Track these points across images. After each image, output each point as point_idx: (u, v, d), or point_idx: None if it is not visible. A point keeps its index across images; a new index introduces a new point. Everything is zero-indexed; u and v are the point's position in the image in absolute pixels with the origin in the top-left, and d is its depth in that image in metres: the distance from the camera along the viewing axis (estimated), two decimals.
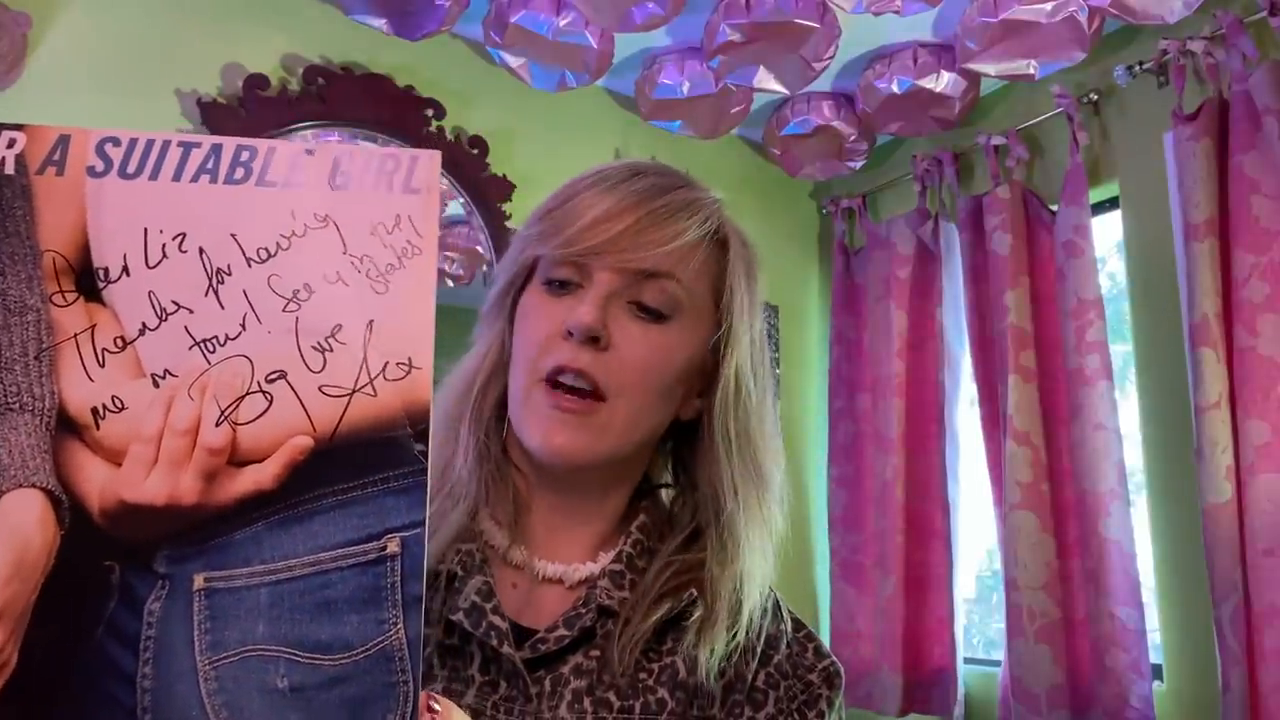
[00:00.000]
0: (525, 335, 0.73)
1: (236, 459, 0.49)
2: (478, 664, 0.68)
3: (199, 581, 0.49)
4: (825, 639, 2.44)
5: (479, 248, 2.22)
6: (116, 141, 0.51)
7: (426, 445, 0.50)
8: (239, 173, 0.52)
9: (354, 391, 0.50)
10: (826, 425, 2.62)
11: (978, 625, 2.53)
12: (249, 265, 0.51)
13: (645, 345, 0.70)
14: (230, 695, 0.48)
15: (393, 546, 0.50)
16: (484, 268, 2.22)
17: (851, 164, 2.63)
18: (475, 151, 2.22)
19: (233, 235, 0.51)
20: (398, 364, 0.51)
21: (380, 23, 2.02)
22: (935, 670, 2.25)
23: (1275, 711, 1.62)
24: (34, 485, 0.47)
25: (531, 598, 0.73)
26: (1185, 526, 1.91)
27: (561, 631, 0.70)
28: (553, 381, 0.70)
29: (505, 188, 2.24)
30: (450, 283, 2.20)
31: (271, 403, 0.50)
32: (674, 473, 0.82)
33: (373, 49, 2.13)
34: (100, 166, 0.51)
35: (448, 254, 2.21)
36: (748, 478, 0.75)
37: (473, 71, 2.30)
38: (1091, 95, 2.21)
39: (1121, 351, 2.18)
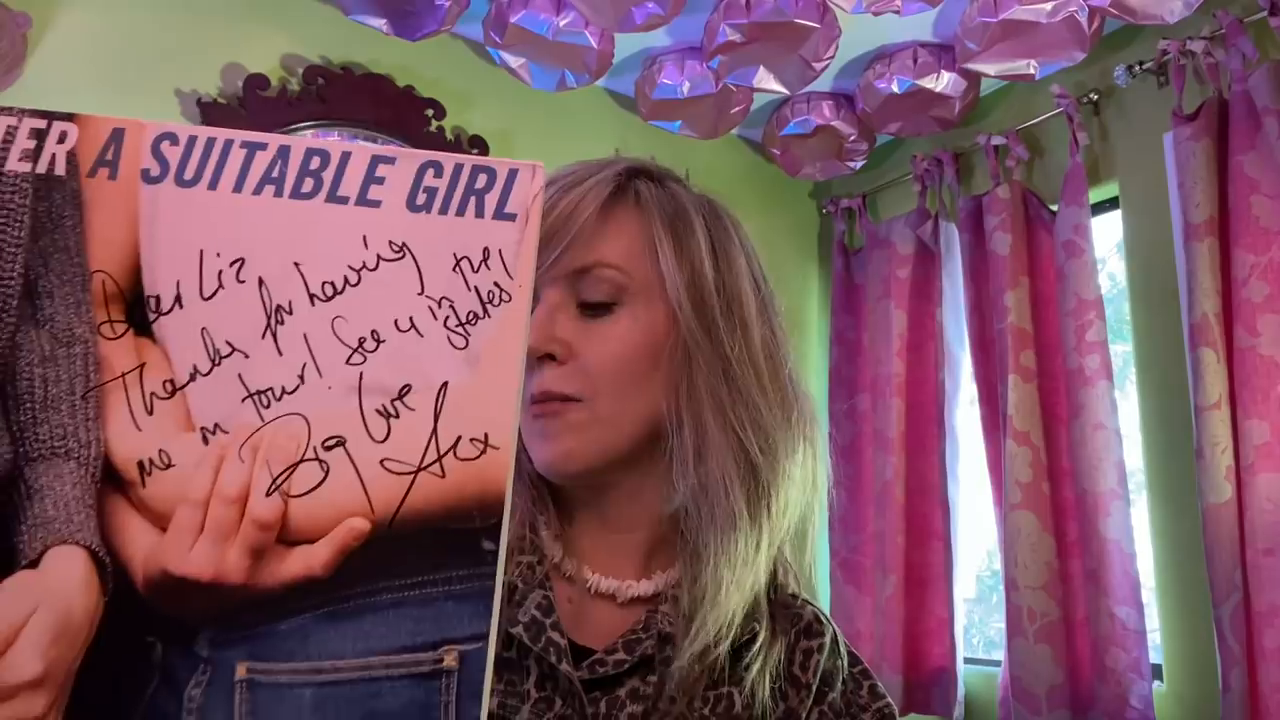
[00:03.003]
0: None
1: (287, 536, 0.44)
2: (534, 679, 0.67)
3: (241, 671, 0.44)
4: None
5: None
6: (174, 139, 0.45)
7: (497, 544, 0.43)
8: (308, 184, 0.45)
9: (419, 470, 0.43)
10: (826, 425, 2.62)
11: (978, 625, 2.53)
12: (312, 303, 0.45)
13: (601, 342, 0.68)
14: None
15: (450, 660, 0.43)
16: None
17: (851, 164, 2.63)
18: (475, 151, 2.22)
19: (296, 265, 0.45)
20: (472, 440, 0.43)
21: (380, 23, 2.02)
22: (935, 670, 2.25)
23: (1275, 711, 1.62)
24: (78, 543, 0.43)
25: (585, 614, 0.71)
26: (1185, 526, 1.91)
27: (621, 655, 0.68)
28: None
29: None
30: None
31: (327, 474, 0.44)
32: None
33: (373, 49, 2.13)
34: (156, 170, 0.45)
35: None
36: (711, 442, 0.68)
37: (473, 71, 2.30)
38: (1091, 95, 2.21)
39: (1121, 351, 2.18)
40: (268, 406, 0.44)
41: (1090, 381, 2.02)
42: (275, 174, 0.45)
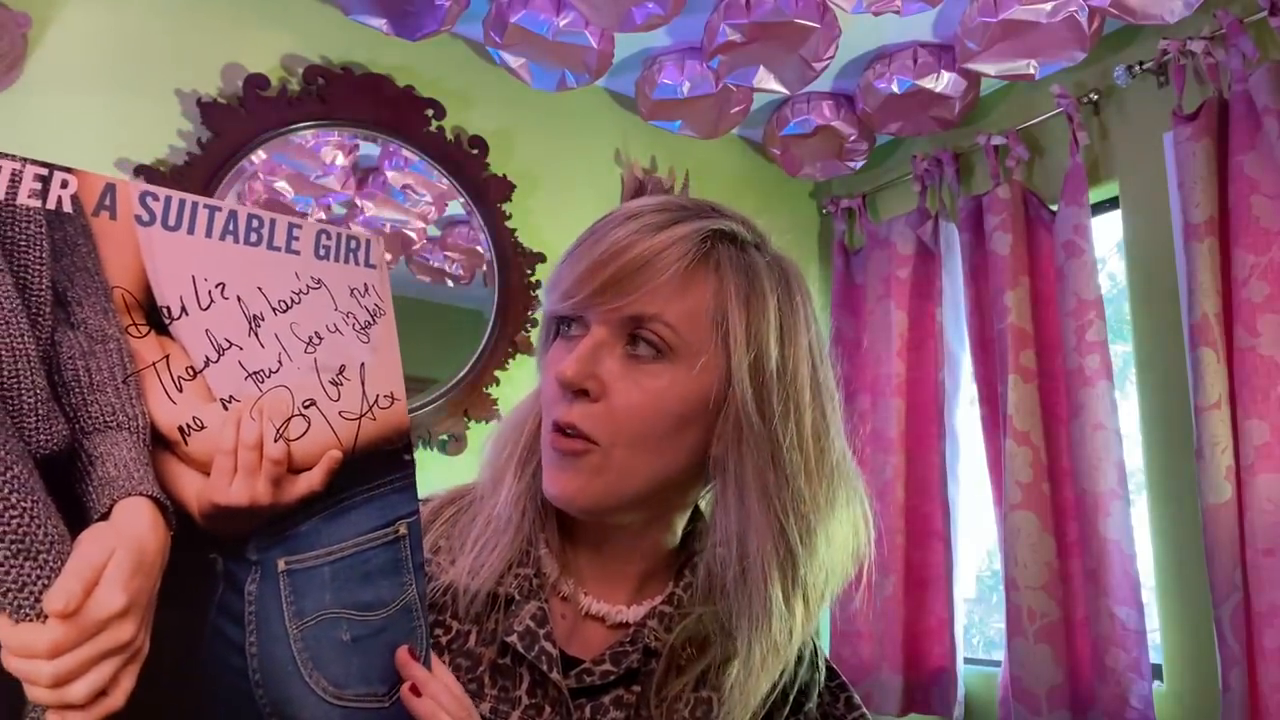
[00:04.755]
0: (542, 386, 0.76)
1: (293, 468, 0.60)
2: (526, 686, 0.71)
3: (282, 565, 0.60)
4: (825, 639, 2.44)
5: (479, 248, 2.22)
6: (155, 196, 0.59)
7: (412, 455, 0.66)
8: (254, 236, 0.62)
9: (361, 417, 0.63)
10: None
11: (978, 625, 2.53)
12: (275, 313, 0.61)
13: (638, 391, 0.69)
14: (313, 651, 0.60)
15: (402, 529, 0.64)
16: (483, 268, 2.22)
17: (851, 164, 2.63)
18: (475, 151, 2.22)
19: (259, 288, 0.61)
20: (384, 397, 0.65)
21: (380, 23, 2.02)
22: (935, 670, 2.25)
23: (1275, 711, 1.62)
24: (140, 494, 0.54)
25: (576, 630, 0.75)
26: (1185, 526, 1.91)
27: (608, 667, 0.72)
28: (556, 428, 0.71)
29: (505, 188, 2.24)
30: (450, 283, 2.20)
31: (310, 424, 0.61)
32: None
33: (373, 49, 2.13)
34: (146, 216, 0.58)
35: (448, 254, 2.21)
36: (753, 525, 0.70)
37: (473, 71, 2.30)
38: (1091, 95, 2.21)
39: (1121, 351, 2.18)
40: (263, 382, 0.60)
41: (1090, 381, 2.02)
42: (231, 227, 0.61)
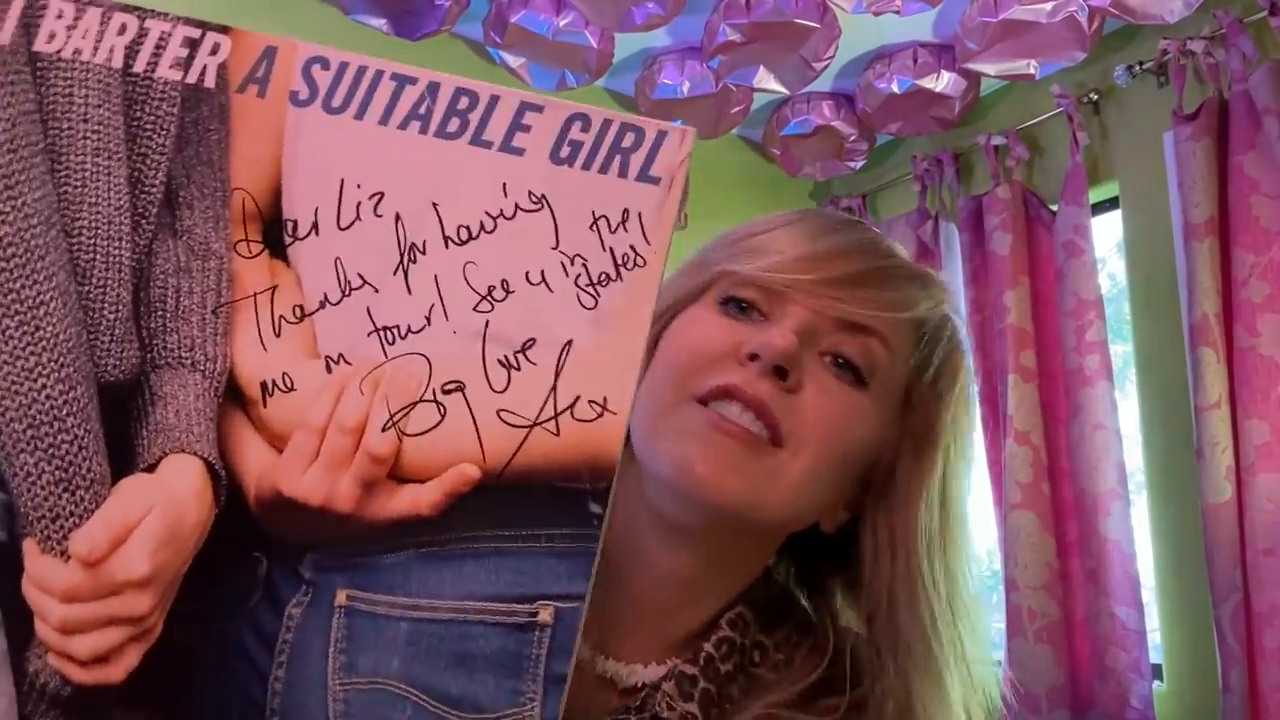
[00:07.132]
0: (679, 347, 0.58)
1: (398, 473, 0.44)
2: None
3: (342, 597, 0.45)
4: None
5: None
6: (325, 64, 0.45)
7: (605, 509, 0.43)
8: (453, 124, 0.44)
9: (535, 424, 0.43)
10: None
11: None
12: (446, 245, 0.44)
13: (839, 402, 0.56)
14: None
15: (545, 615, 0.43)
16: None
17: (851, 164, 2.63)
18: None
19: (434, 205, 0.44)
20: (590, 402, 0.43)
21: (380, 23, 2.03)
22: None
23: (1275, 711, 1.62)
24: (196, 453, 0.44)
25: (578, 701, 0.60)
26: (1185, 526, 1.91)
27: None
28: (709, 403, 0.55)
29: None
30: None
31: (444, 417, 0.43)
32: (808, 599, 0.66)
33: (373, 49, 2.12)
34: (305, 93, 0.45)
35: None
36: (950, 631, 0.58)
37: (473, 71, 2.30)
38: (1091, 95, 2.21)
39: (1121, 351, 2.18)
40: (392, 343, 0.44)
41: (1090, 381, 2.02)
42: (422, 110, 0.44)
